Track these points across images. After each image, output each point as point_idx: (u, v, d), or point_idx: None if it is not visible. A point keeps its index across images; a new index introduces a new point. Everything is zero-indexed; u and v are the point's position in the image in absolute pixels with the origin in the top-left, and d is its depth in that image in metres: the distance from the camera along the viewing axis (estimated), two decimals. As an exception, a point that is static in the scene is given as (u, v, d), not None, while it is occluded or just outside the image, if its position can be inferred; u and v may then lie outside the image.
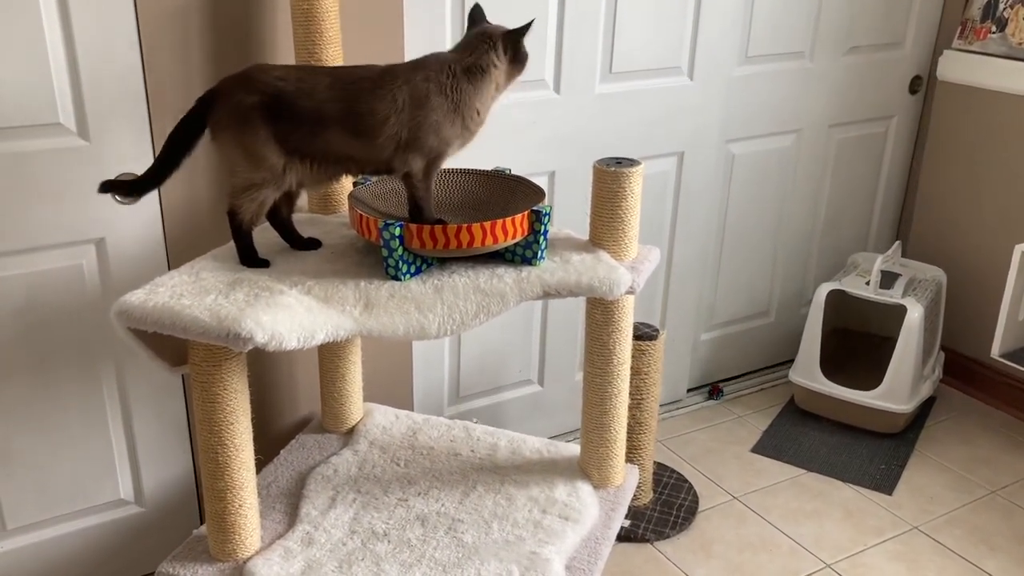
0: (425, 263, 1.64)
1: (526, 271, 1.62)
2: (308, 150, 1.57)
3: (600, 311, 1.75)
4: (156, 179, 1.61)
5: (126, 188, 1.62)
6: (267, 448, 2.12)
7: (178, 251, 1.93)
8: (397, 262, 1.58)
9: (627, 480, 1.94)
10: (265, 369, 2.13)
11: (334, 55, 1.80)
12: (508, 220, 1.59)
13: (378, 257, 1.67)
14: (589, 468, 1.90)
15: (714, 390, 3.01)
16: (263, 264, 1.63)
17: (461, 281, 1.59)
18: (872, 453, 2.70)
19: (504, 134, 2.28)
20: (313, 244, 1.72)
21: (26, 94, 1.70)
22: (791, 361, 2.96)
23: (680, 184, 2.63)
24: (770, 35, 2.67)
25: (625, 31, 2.36)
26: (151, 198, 1.87)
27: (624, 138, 2.47)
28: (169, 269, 1.93)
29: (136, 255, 1.90)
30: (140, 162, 1.83)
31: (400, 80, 1.57)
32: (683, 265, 2.75)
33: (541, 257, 1.65)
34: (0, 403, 1.85)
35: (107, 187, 1.60)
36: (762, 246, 2.96)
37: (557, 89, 2.33)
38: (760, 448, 2.74)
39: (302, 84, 1.55)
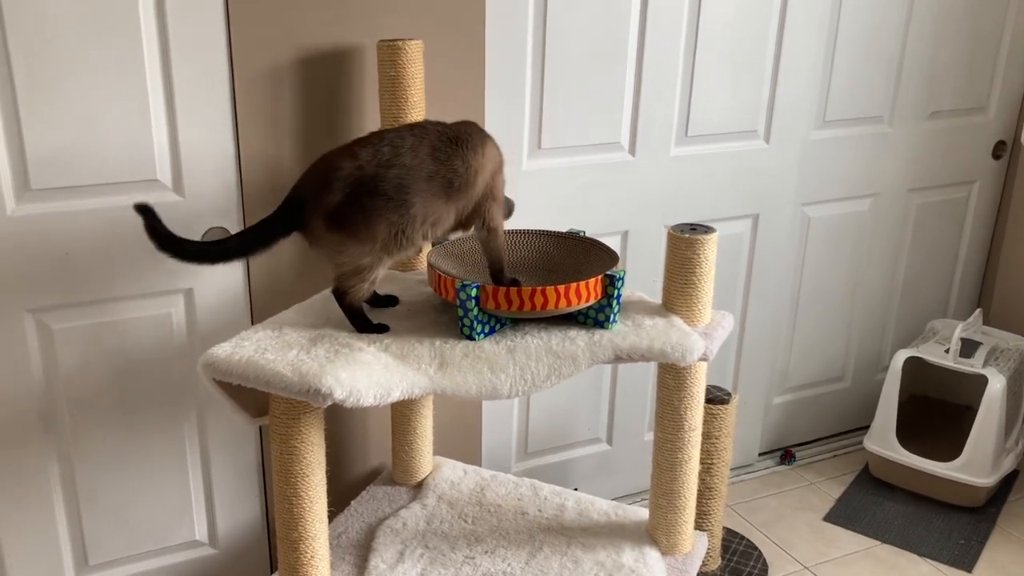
0: (499, 323, 1.67)
1: (598, 334, 1.64)
2: (402, 219, 1.58)
3: (672, 376, 1.75)
4: (215, 256, 1.57)
5: (162, 236, 1.55)
6: (338, 497, 2.16)
7: (261, 303, 2.00)
8: (472, 322, 1.61)
9: (696, 548, 1.91)
10: (339, 419, 2.18)
11: (417, 120, 1.86)
12: (582, 284, 1.61)
13: (453, 315, 1.71)
14: (657, 534, 1.89)
15: (786, 455, 2.96)
16: (383, 329, 1.65)
17: (534, 343, 1.61)
18: (950, 527, 2.61)
19: (578, 194, 2.32)
20: (391, 302, 1.77)
21: (128, 152, 1.80)
22: (866, 427, 2.90)
23: (755, 246, 2.62)
24: (848, 99, 2.66)
25: (701, 95, 2.39)
26: (238, 252, 1.95)
27: (698, 200, 2.49)
28: (252, 320, 2.01)
29: (221, 305, 1.98)
30: (229, 217, 1.92)
31: (476, 137, 1.64)
32: (756, 327, 2.72)
33: (614, 321, 1.67)
34: (88, 443, 1.93)
35: (163, 243, 1.54)
36: (838, 310, 2.92)
37: (632, 151, 2.36)
38: (833, 516, 2.67)
39: (380, 160, 1.56)
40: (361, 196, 1.54)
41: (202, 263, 1.60)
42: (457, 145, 1.62)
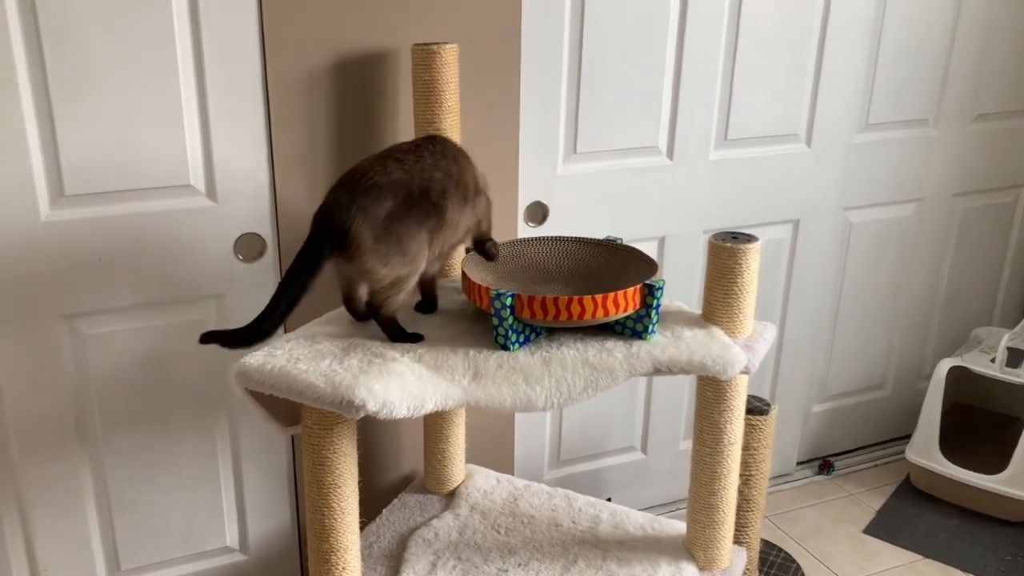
0: (534, 332, 1.64)
1: (636, 346, 1.60)
2: (439, 224, 1.61)
3: (712, 389, 1.71)
4: (280, 313, 1.50)
5: (233, 343, 1.50)
6: (370, 503, 2.14)
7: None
8: (507, 331, 1.58)
9: (734, 563, 1.87)
10: (371, 425, 2.16)
11: (451, 124, 1.83)
12: (620, 293, 1.57)
13: (487, 324, 1.68)
14: (695, 549, 1.84)
15: (825, 464, 2.90)
16: (418, 338, 1.62)
17: (570, 354, 1.58)
18: (996, 541, 2.53)
19: (615, 199, 2.28)
20: (427, 308, 1.74)
21: (161, 157, 1.78)
22: (907, 437, 2.83)
23: (795, 252, 2.57)
24: (892, 102, 2.59)
25: (741, 98, 2.34)
26: (269, 257, 1.93)
27: (738, 205, 2.43)
28: (284, 327, 1.99)
29: (253, 311, 1.94)
30: (263, 223, 1.90)
31: (451, 146, 1.69)
32: (796, 334, 2.66)
33: (652, 332, 1.63)
34: (120, 449, 1.93)
35: (210, 339, 1.50)
36: (879, 317, 2.85)
37: (670, 155, 2.31)
38: (873, 529, 2.61)
39: (412, 171, 1.57)
40: (409, 204, 1.54)
41: (274, 330, 1.51)
42: (457, 155, 1.67)
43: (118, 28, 1.68)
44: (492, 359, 1.56)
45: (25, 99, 1.66)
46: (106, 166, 1.75)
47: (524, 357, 1.57)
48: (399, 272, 1.57)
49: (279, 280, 1.94)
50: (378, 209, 1.52)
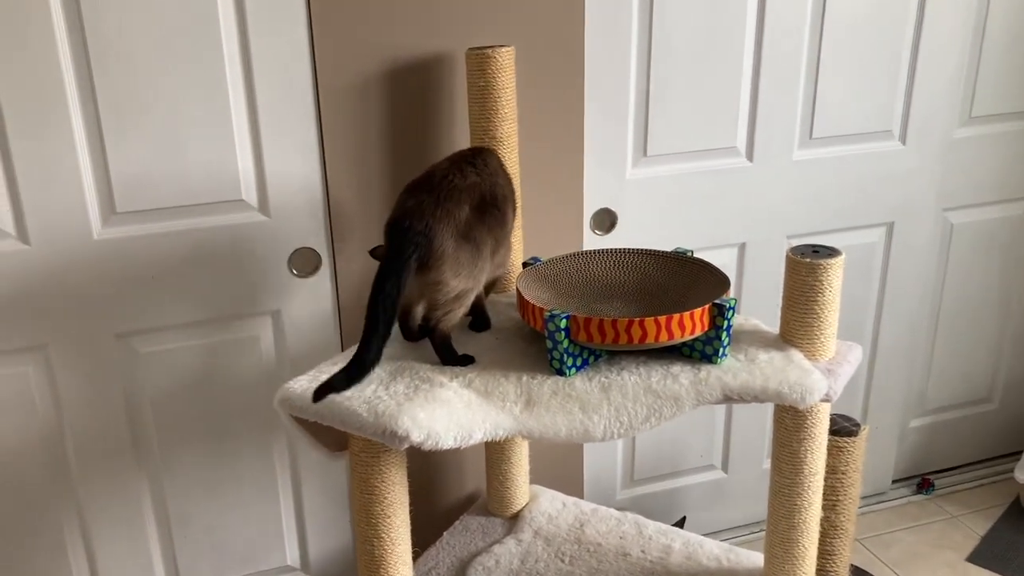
0: (593, 355, 1.52)
1: (705, 371, 1.47)
2: (502, 231, 1.56)
3: (790, 416, 1.56)
4: (372, 359, 1.39)
5: (345, 385, 1.40)
6: (432, 523, 2.08)
7: (351, 322, 1.92)
8: (562, 355, 1.47)
9: (817, 602, 1.72)
10: (433, 444, 2.08)
11: (508, 131, 1.73)
12: (686, 315, 1.45)
13: (542, 345, 1.57)
14: (772, 586, 1.70)
15: (924, 483, 2.69)
16: (468, 361, 1.53)
17: (631, 380, 1.46)
18: (1119, 575, 2.31)
19: (689, 203, 2.14)
20: (481, 326, 1.66)
21: (212, 172, 1.74)
22: (1017, 454, 2.61)
23: (889, 257, 2.38)
24: (998, 92, 2.37)
25: (828, 93, 2.16)
26: (324, 272, 1.87)
27: (825, 208, 2.26)
28: (342, 340, 1.93)
29: (310, 327, 1.91)
30: (317, 237, 1.84)
31: (497, 157, 1.63)
32: (890, 345, 2.47)
33: (723, 355, 1.50)
34: (179, 467, 1.90)
35: (322, 394, 1.37)
36: (985, 325, 2.63)
37: (750, 157, 2.16)
38: (978, 557, 2.40)
39: (483, 175, 1.52)
40: (482, 210, 1.49)
41: (380, 354, 1.40)
42: (501, 166, 1.62)
43: (167, 44, 1.64)
44: (546, 385, 1.46)
45: (75, 117, 1.63)
46: (157, 182, 1.71)
47: (581, 383, 1.46)
48: (466, 284, 1.49)
49: (336, 295, 1.89)
50: (460, 214, 1.45)
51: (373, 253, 1.57)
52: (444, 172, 1.49)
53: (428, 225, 1.41)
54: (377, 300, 1.38)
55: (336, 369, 1.50)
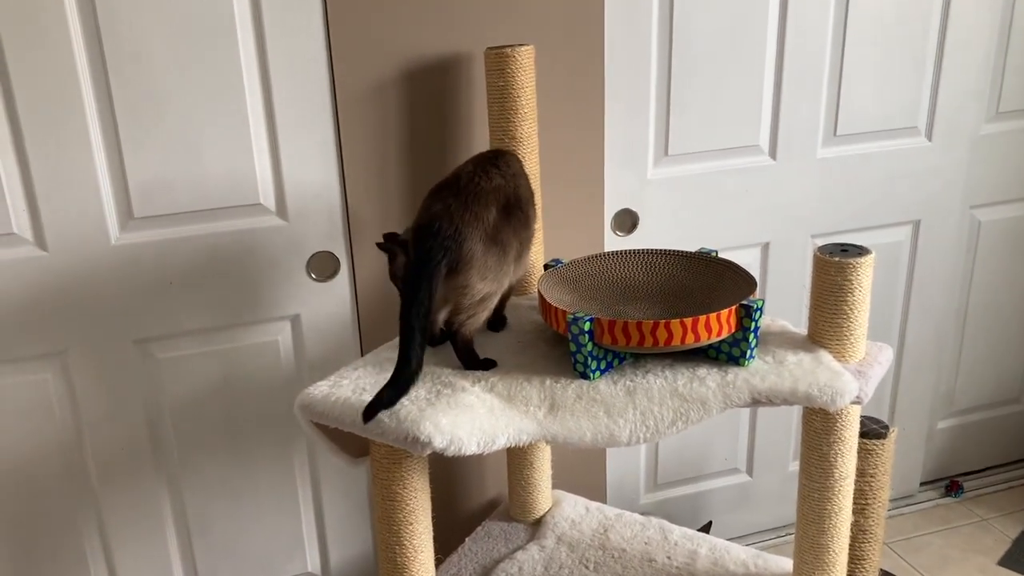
0: (617, 358, 1.49)
1: (732, 373, 1.44)
2: (527, 233, 1.54)
3: (820, 419, 1.53)
4: (414, 370, 1.36)
5: (394, 399, 1.36)
6: (454, 528, 2.05)
7: (369, 327, 1.90)
8: (586, 358, 1.44)
9: (848, 608, 1.68)
10: (453, 449, 2.06)
11: (528, 131, 1.71)
12: (712, 316, 1.42)
13: (565, 348, 1.54)
14: (802, 592, 1.67)
15: (953, 486, 2.64)
16: (491, 365, 1.50)
17: (656, 383, 1.43)
18: None
19: (712, 203, 2.11)
20: (498, 326, 1.63)
21: (229, 176, 1.72)
22: (1048, 457, 2.56)
23: (915, 255, 2.34)
24: (1027, 86, 2.33)
25: (853, 90, 2.13)
26: (343, 276, 1.85)
27: (849, 206, 2.22)
28: (361, 345, 1.91)
29: (329, 331, 1.89)
30: (335, 241, 1.82)
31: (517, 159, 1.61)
32: (918, 345, 2.43)
33: (750, 357, 1.46)
34: (198, 473, 1.89)
35: (372, 412, 1.34)
36: (1014, 324, 2.58)
37: (773, 154, 2.13)
38: (1009, 561, 2.35)
39: (507, 177, 1.50)
40: (507, 212, 1.46)
41: (421, 363, 1.37)
42: (522, 169, 1.60)
43: (182, 47, 1.63)
44: (570, 389, 1.43)
45: (92, 122, 1.62)
46: (174, 187, 1.70)
47: (605, 387, 1.43)
48: (491, 287, 1.46)
49: (355, 299, 1.87)
50: (488, 216, 1.42)
51: (381, 246, 1.55)
52: (470, 174, 1.47)
53: (457, 228, 1.39)
54: (411, 309, 1.35)
55: (356, 375, 1.48)
